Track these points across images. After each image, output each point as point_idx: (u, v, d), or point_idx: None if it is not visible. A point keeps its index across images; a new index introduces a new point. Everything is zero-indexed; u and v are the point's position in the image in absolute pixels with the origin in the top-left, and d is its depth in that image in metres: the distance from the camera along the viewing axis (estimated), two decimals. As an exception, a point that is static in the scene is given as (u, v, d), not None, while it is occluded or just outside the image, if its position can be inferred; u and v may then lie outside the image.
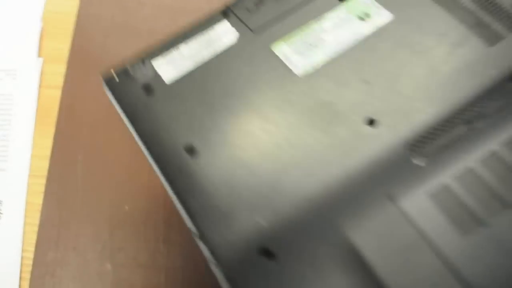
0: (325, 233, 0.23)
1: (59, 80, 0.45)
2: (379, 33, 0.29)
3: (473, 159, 0.23)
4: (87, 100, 0.44)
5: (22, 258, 0.37)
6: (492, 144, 0.24)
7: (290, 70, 0.29)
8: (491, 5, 0.29)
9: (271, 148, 0.26)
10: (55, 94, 0.45)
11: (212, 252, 0.23)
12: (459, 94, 0.26)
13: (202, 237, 0.24)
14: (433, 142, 0.25)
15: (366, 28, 0.30)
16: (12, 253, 0.37)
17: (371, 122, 0.26)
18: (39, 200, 0.39)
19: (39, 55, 0.47)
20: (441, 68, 0.27)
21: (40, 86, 0.45)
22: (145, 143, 0.27)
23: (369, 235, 0.22)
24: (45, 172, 0.41)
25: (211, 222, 0.24)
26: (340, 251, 0.22)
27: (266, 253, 0.23)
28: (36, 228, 0.38)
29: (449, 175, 0.23)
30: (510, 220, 0.22)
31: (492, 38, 0.28)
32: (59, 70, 0.46)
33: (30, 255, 0.37)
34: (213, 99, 0.28)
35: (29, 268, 0.37)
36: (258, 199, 0.24)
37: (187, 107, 0.28)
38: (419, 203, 0.23)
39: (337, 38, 0.30)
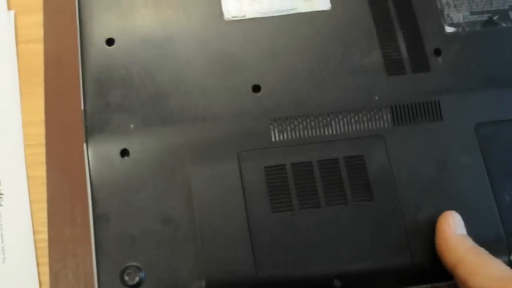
0: (176, 157, 0.28)
1: (39, 33, 0.38)
2: (311, 15, 0.31)
3: (314, 156, 0.28)
4: (75, 48, 0.37)
5: (35, 241, 0.32)
6: (335, 153, 0.28)
7: (221, 11, 0.31)
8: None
9: (172, 68, 0.30)
10: (37, 49, 0.38)
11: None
12: (337, 101, 0.29)
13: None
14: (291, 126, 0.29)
15: (303, 6, 0.31)
16: (23, 236, 0.32)
17: (255, 88, 0.29)
18: (41, 172, 0.34)
19: (9, 8, 0.40)
20: (338, 68, 0.30)
21: (17, 42, 0.38)
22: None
23: (205, 176, 0.27)
24: (42, 140, 0.34)
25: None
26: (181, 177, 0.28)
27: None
28: (44, 205, 0.33)
29: (290, 158, 0.28)
30: (311, 216, 0.27)
31: (392, 68, 0.30)
32: (36, 20, 0.39)
33: (44, 236, 0.32)
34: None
35: (45, 252, 0.31)
36: (143, 104, 0.29)
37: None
38: (255, 170, 0.27)
39: (274, 1, 0.31)
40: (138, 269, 0.26)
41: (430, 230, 0.26)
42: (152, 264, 0.26)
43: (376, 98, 0.29)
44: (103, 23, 0.30)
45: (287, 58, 0.30)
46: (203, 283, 0.26)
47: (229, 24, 0.31)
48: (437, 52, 0.30)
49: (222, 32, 0.30)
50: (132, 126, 0.28)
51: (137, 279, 0.26)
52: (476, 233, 0.26)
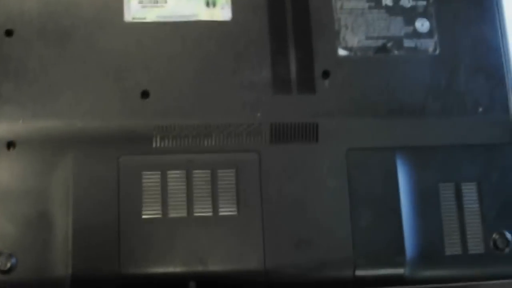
0: (59, 153, 0.29)
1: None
2: (210, 25, 0.32)
3: (190, 166, 0.30)
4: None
5: None
6: (211, 165, 0.30)
7: (122, 11, 0.31)
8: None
9: (67, 64, 0.31)
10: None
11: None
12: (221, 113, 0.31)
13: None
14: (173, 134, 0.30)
15: (205, 14, 0.32)
16: None
17: (144, 94, 0.30)
18: None
19: None
20: (227, 81, 0.31)
21: None
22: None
23: (84, 174, 0.29)
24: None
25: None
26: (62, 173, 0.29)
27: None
28: None
29: (167, 167, 0.30)
30: (179, 223, 0.29)
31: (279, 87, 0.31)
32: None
33: None
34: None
35: None
36: (34, 98, 0.30)
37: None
38: (132, 175, 0.29)
39: (177, 7, 0.32)
40: (10, 256, 0.28)
41: (286, 244, 0.28)
42: (24, 252, 0.28)
43: (259, 114, 0.30)
44: (3, 13, 0.31)
45: (180, 65, 0.31)
46: (69, 275, 0.28)
47: (128, 25, 0.31)
48: (326, 74, 0.31)
49: (119, 33, 0.31)
50: (21, 120, 0.29)
51: (8, 265, 0.28)
52: (327, 251, 0.28)
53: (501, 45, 0.33)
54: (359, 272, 0.28)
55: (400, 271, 0.29)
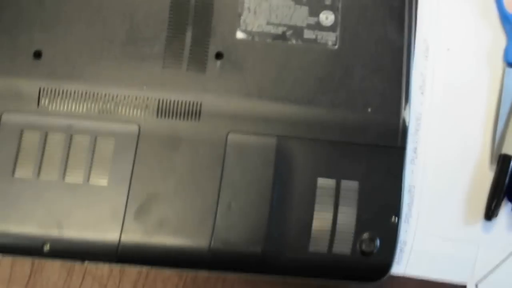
0: None
1: None
2: None
3: (69, 130, 0.30)
4: None
5: None
6: (90, 132, 0.30)
7: None
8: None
9: None
10: None
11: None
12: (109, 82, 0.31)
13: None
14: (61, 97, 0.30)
15: None
16: None
17: (37, 54, 0.31)
18: None
19: None
20: (120, 50, 0.31)
21: None
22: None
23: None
24: None
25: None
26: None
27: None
28: None
29: (46, 128, 0.30)
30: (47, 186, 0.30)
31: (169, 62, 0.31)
32: None
33: None
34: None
35: None
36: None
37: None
38: (12, 131, 0.30)
39: None
40: None
41: (146, 220, 0.29)
42: None
43: (145, 87, 0.30)
44: None
45: (77, 28, 0.31)
46: None
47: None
48: (219, 55, 0.31)
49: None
50: None
51: None
52: (184, 229, 0.29)
53: (404, 47, 0.33)
54: (214, 252, 0.29)
55: (255, 257, 0.30)
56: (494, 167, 0.35)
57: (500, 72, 0.37)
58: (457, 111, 0.36)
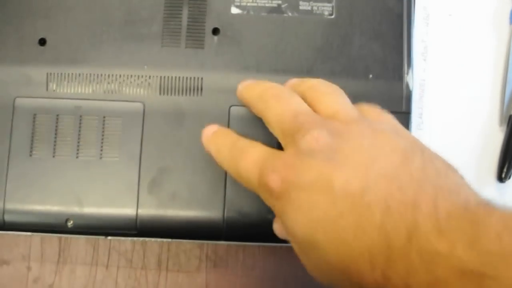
0: None
1: None
2: None
3: (79, 111, 0.32)
4: None
5: None
6: (98, 112, 0.32)
7: None
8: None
9: None
10: None
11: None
12: (111, 63, 0.32)
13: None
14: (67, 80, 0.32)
15: None
16: None
17: (41, 41, 0.32)
18: None
19: None
20: (118, 32, 0.32)
21: None
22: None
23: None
24: None
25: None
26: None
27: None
28: None
29: (58, 111, 0.32)
30: (64, 164, 0.31)
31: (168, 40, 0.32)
32: None
33: None
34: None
35: None
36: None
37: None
38: (25, 116, 0.31)
39: None
40: None
41: (160, 193, 0.30)
42: None
43: (146, 67, 0.31)
44: None
45: (77, 14, 0.32)
46: None
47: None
48: (216, 31, 0.32)
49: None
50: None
51: None
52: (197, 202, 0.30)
53: (404, 13, 0.33)
54: (229, 222, 0.30)
55: (269, 225, 0.30)
56: (504, 128, 0.34)
57: (506, 35, 0.36)
58: (462, 75, 0.36)
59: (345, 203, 0.20)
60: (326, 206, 0.21)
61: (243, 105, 0.30)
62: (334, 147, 0.22)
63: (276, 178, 0.22)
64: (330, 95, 0.26)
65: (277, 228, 0.27)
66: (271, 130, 0.26)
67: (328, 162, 0.21)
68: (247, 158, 0.24)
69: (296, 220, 0.22)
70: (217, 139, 0.27)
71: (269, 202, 0.23)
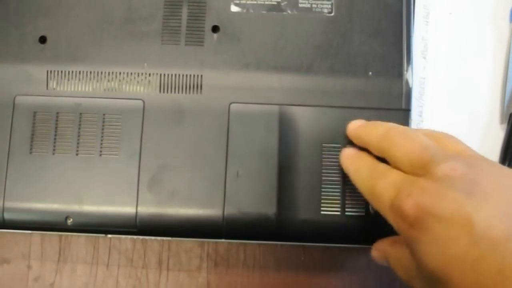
0: None
1: None
2: None
3: (79, 109, 0.31)
4: None
5: None
6: (98, 109, 0.32)
7: None
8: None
9: None
10: None
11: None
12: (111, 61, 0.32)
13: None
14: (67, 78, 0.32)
15: None
16: None
17: (42, 39, 0.32)
18: None
19: None
20: (119, 30, 0.32)
21: None
22: None
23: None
24: None
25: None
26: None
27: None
28: None
29: (58, 108, 0.32)
30: (63, 161, 0.31)
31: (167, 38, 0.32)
32: None
33: None
34: None
35: None
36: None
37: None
38: (25, 113, 0.31)
39: None
40: None
41: (160, 191, 0.30)
42: None
43: (146, 64, 0.31)
44: None
45: (77, 13, 0.32)
46: None
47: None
48: (215, 29, 0.32)
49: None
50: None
51: None
52: (196, 199, 0.30)
53: (403, 11, 0.33)
54: (229, 220, 0.30)
55: (269, 222, 0.30)
56: (505, 126, 0.34)
57: (506, 33, 0.36)
58: (462, 73, 0.36)
59: (487, 246, 0.19)
60: (466, 245, 0.20)
61: (243, 102, 0.31)
62: (472, 179, 0.21)
63: (411, 202, 0.21)
64: (451, 137, 0.26)
65: (377, 256, 0.27)
66: (397, 165, 0.24)
67: (467, 195, 0.20)
68: (385, 179, 0.24)
69: (431, 252, 0.21)
70: (358, 160, 0.28)
71: (401, 227, 0.22)
